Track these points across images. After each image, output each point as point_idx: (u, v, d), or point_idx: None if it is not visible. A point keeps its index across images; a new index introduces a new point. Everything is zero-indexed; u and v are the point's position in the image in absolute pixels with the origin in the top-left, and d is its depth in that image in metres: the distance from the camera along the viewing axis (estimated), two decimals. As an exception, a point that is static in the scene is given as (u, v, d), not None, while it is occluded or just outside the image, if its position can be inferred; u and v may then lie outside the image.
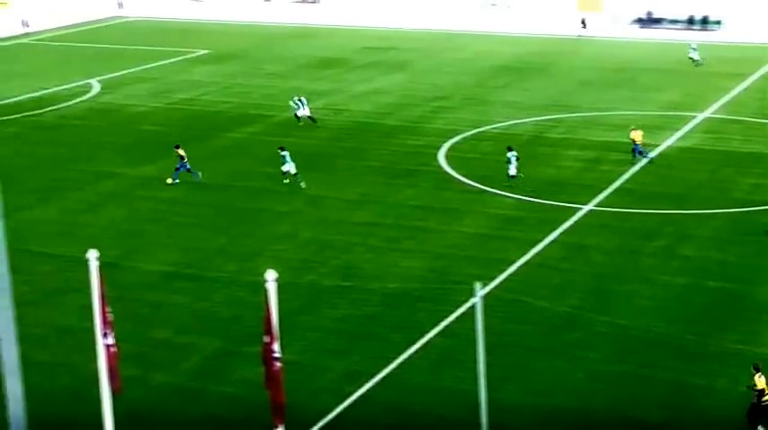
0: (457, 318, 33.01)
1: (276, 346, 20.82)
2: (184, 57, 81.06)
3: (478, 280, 25.69)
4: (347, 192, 46.58)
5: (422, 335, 32.06)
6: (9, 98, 66.79)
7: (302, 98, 58.84)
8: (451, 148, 52.88)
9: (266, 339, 20.91)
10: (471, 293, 25.34)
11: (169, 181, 48.19)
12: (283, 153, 47.85)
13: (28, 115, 62.49)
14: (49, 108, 64.30)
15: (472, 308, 28.98)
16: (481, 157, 51.36)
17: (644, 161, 49.92)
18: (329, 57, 79.65)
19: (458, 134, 55.46)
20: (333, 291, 35.78)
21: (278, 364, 20.91)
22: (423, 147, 53.49)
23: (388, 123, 58.52)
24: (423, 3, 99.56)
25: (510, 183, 46.51)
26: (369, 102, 64.09)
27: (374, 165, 50.67)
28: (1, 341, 17.15)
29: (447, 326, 32.64)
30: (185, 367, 30.96)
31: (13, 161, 50.17)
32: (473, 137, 55.17)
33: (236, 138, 56.41)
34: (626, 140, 50.96)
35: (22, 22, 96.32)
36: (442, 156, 51.46)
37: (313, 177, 48.35)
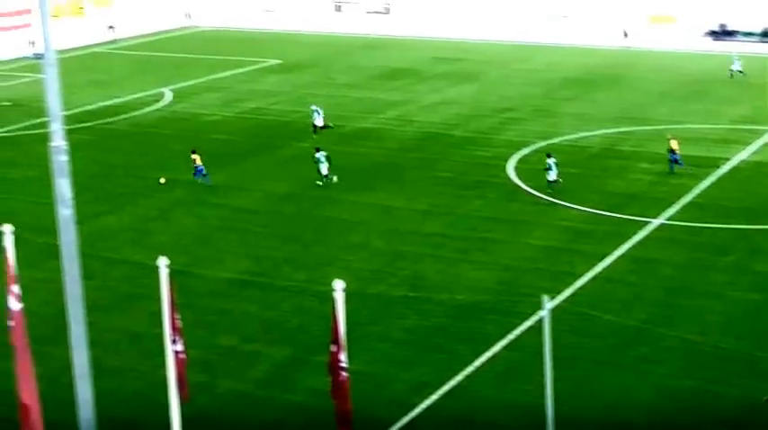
0: (524, 330, 32.89)
1: (343, 356, 20.89)
2: (256, 66, 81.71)
3: (546, 292, 25.60)
4: (417, 202, 46.65)
5: (489, 348, 31.99)
6: (84, 106, 67.73)
7: (318, 108, 59.61)
8: (520, 160, 52.74)
9: (333, 348, 21.00)
10: (539, 306, 25.23)
11: (210, 182, 49.80)
12: (318, 155, 49.40)
13: (101, 123, 63.36)
14: (122, 116, 65.14)
15: (540, 321, 28.89)
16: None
17: (674, 168, 50.08)
18: (400, 67, 79.83)
19: (527, 146, 55.29)
20: (401, 302, 35.83)
21: (345, 374, 20.98)
22: (491, 158, 53.40)
23: (458, 134, 58.50)
24: (493, 14, 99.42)
25: (551, 189, 46.94)
26: (438, 113, 64.13)
27: (443, 176, 50.70)
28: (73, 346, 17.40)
29: (514, 339, 32.53)
30: (252, 375, 31.17)
31: (86, 168, 50.82)
32: (542, 149, 54.93)
33: (306, 147, 56.56)
34: (698, 154, 50.50)
35: (109, 26, 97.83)
36: (510, 168, 51.35)
37: (383, 187, 48.61)
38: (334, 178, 49.25)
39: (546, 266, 38.99)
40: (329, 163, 49.46)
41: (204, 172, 49.97)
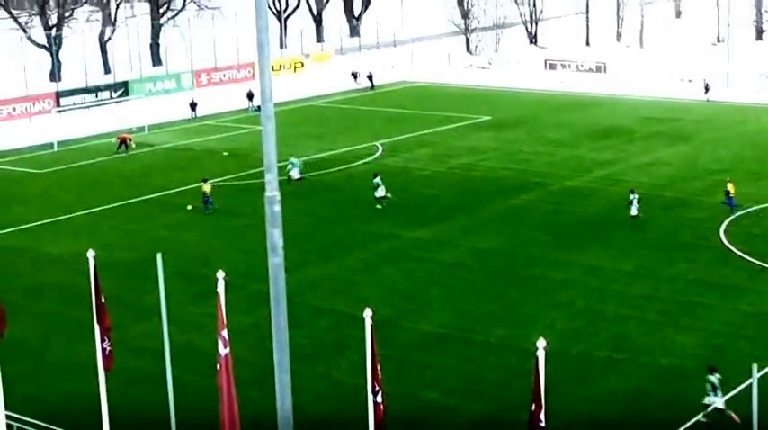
0: (730, 398, 31.96)
1: (542, 415, 20.82)
2: (466, 122, 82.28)
3: (756, 361, 24.90)
4: (623, 263, 46.03)
5: (692, 415, 31.18)
6: (299, 158, 69.43)
7: (296, 161, 62.91)
8: (732, 223, 51.42)
9: (533, 407, 20.96)
10: (747, 374, 24.57)
11: (190, 207, 56.82)
12: (376, 180, 56.13)
13: (314, 174, 64.85)
14: (335, 168, 66.53)
15: (747, 389, 28.07)
16: (764, 234, 49.73)
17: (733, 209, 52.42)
18: (612, 126, 79.01)
19: (740, 209, 53.82)
20: (603, 363, 35.39)
21: (543, 434, 20.90)
22: (702, 220, 52.24)
23: (668, 195, 57.46)
24: (709, 73, 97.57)
25: (632, 222, 51.24)
26: (648, 173, 63.11)
27: (651, 237, 49.86)
28: (277, 393, 17.85)
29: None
30: (451, 429, 31.25)
31: (296, 219, 52.09)
32: (756, 212, 53.47)
33: (515, 204, 56.70)
34: None
35: (353, 73, 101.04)
36: (722, 231, 50.10)
37: (590, 247, 48.23)
38: (388, 194, 55.80)
39: (756, 333, 37.87)
40: (383, 185, 55.80)
41: (210, 200, 56.10)
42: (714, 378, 30.55)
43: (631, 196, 51.90)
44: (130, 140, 74.27)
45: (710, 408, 30.15)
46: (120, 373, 31.51)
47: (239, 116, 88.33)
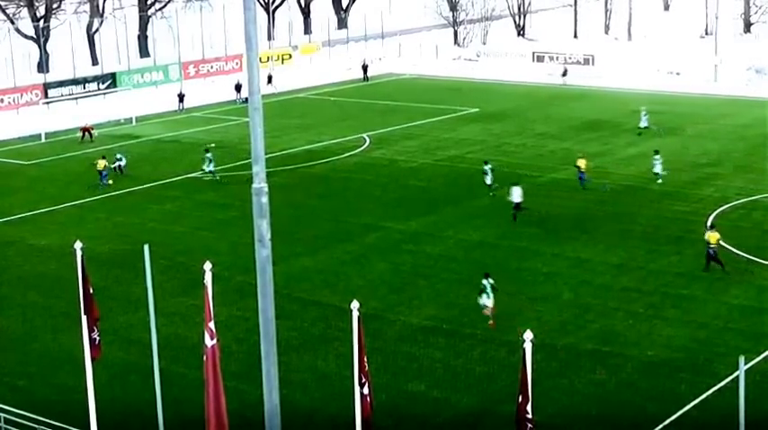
0: (717, 391, 32.06)
1: (529, 408, 20.88)
2: (454, 114, 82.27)
3: (743, 353, 24.95)
4: (610, 255, 46.08)
5: (679, 408, 31.28)
6: (286, 149, 69.48)
7: (122, 155, 64.62)
8: (720, 217, 51.52)
9: (520, 399, 21.01)
10: (734, 367, 24.59)
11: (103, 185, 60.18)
12: (208, 155, 61.61)
13: (302, 166, 64.82)
14: (322, 160, 66.49)
15: (735, 382, 28.15)
16: (752, 227, 49.84)
17: (583, 185, 56.51)
18: (598, 119, 79.10)
19: (727, 202, 53.95)
20: (590, 356, 35.42)
21: (530, 426, 20.97)
22: (689, 213, 52.33)
23: (655, 188, 57.52)
24: (698, 66, 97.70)
25: (492, 192, 55.24)
26: (635, 166, 63.14)
27: (638, 229, 49.92)
28: (264, 385, 17.84)
29: (706, 400, 31.74)
30: (437, 422, 31.28)
31: (283, 211, 52.00)
32: (743, 205, 53.58)
33: (502, 196, 56.61)
34: None
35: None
36: (709, 224, 50.15)
37: (576, 239, 48.25)
38: (218, 176, 60.88)
39: (743, 326, 37.94)
40: (213, 162, 61.23)
41: (107, 176, 60.27)
42: (487, 282, 37.16)
43: (485, 167, 56.43)
44: (93, 130, 74.72)
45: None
46: (107, 365, 31.49)
47: (227, 108, 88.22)
